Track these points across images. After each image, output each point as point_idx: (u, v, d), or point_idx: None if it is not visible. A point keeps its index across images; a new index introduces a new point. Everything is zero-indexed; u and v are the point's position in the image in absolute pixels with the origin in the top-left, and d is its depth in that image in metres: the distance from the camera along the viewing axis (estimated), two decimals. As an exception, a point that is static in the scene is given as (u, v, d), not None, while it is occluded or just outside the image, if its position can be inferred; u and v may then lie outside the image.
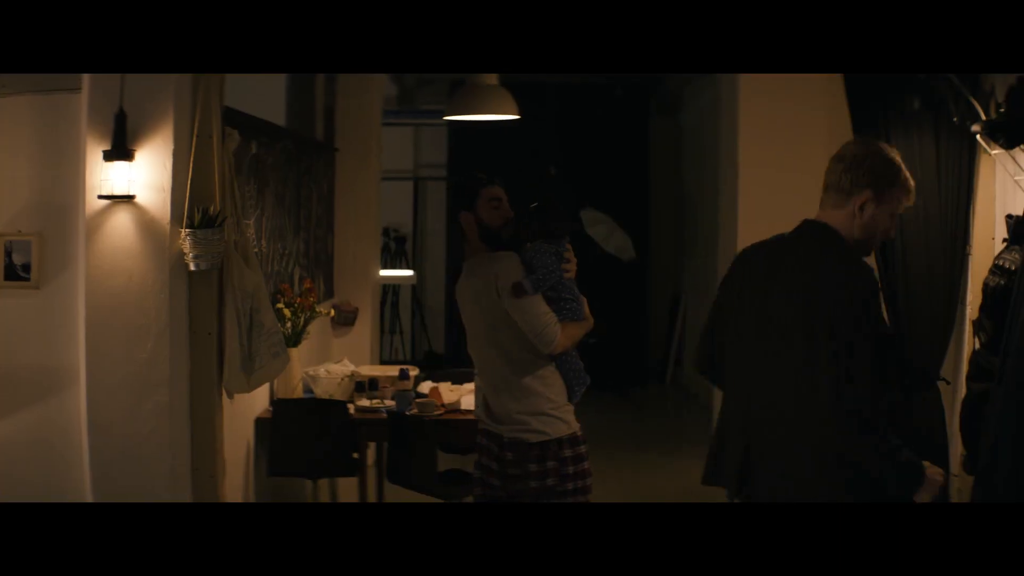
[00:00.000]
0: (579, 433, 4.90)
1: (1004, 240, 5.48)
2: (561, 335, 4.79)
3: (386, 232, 13.15)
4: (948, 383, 6.22)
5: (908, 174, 3.75)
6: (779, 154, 7.63)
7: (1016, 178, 5.77)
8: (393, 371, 6.94)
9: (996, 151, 5.97)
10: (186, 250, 5.29)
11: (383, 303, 12.72)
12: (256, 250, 6.39)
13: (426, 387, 7.01)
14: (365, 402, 6.61)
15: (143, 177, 5.26)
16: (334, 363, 7.17)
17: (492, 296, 4.80)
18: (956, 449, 5.92)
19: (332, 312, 8.48)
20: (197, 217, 5.28)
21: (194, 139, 5.35)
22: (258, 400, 6.58)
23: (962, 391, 5.60)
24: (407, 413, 6.38)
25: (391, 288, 13.88)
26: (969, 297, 6.27)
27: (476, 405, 5.12)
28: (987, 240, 6.22)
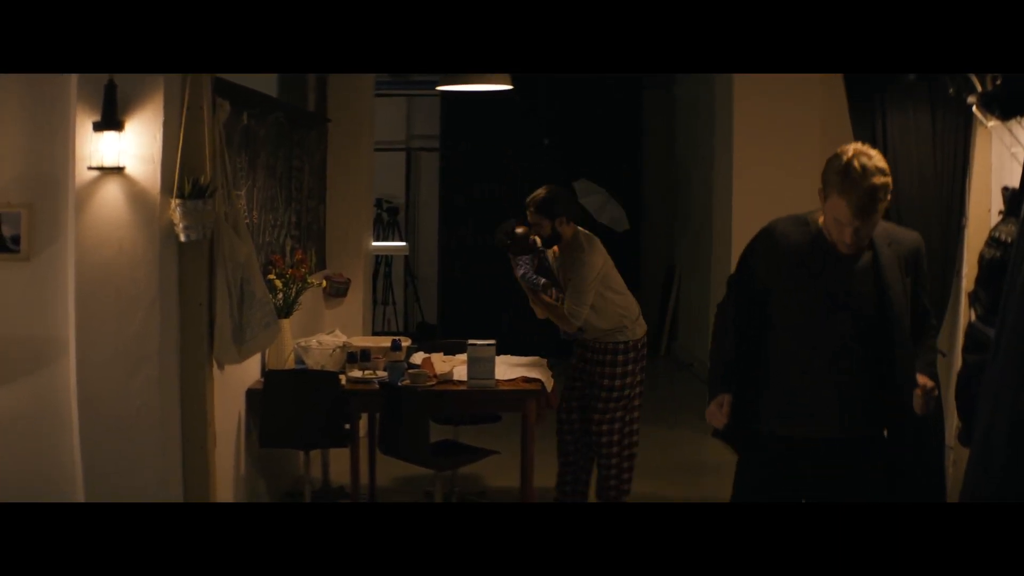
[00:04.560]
0: None
1: (1000, 212, 5.45)
2: None
3: (379, 203, 13.10)
4: (944, 355, 6.21)
5: (860, 194, 3.95)
6: (773, 148, 7.70)
7: (1012, 150, 5.74)
8: (385, 342, 6.90)
9: (992, 123, 5.94)
10: (176, 221, 5.27)
11: (375, 274, 12.70)
12: (247, 221, 6.36)
13: (418, 358, 6.98)
14: (357, 373, 6.58)
15: (133, 148, 5.24)
16: (326, 334, 7.15)
17: None
18: (951, 421, 5.91)
19: (324, 283, 8.46)
20: (187, 188, 5.26)
21: (184, 110, 5.33)
22: (249, 371, 6.56)
23: (958, 363, 5.58)
24: (399, 384, 6.36)
25: (383, 259, 13.85)
26: (965, 269, 6.25)
27: (641, 324, 6.97)
28: (983, 212, 6.20)
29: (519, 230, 6.76)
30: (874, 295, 4.14)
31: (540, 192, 6.74)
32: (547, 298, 6.80)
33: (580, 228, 6.83)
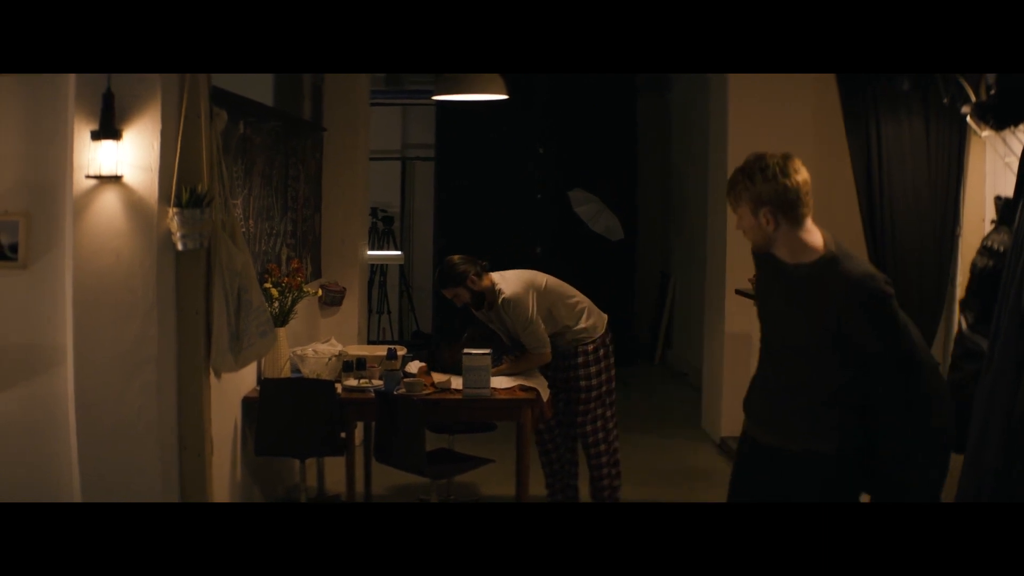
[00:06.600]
0: None
1: (992, 222, 5.48)
2: None
3: (374, 212, 13.10)
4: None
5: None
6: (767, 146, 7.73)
7: (1006, 160, 5.77)
8: (381, 351, 6.93)
9: (986, 133, 5.96)
10: (173, 229, 5.28)
11: (371, 283, 12.70)
12: (243, 230, 6.37)
13: (414, 367, 7.00)
14: (353, 382, 6.60)
15: (131, 157, 5.24)
16: (322, 343, 7.16)
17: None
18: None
19: (320, 292, 8.47)
20: (185, 196, 5.27)
21: (182, 119, 5.33)
22: (245, 380, 6.57)
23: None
24: (395, 393, 6.37)
25: (379, 268, 13.86)
26: (959, 278, 6.27)
27: (601, 319, 7.09)
28: (977, 221, 6.22)
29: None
30: (814, 310, 3.92)
31: (438, 273, 6.94)
32: (507, 363, 6.97)
33: (493, 274, 6.93)
